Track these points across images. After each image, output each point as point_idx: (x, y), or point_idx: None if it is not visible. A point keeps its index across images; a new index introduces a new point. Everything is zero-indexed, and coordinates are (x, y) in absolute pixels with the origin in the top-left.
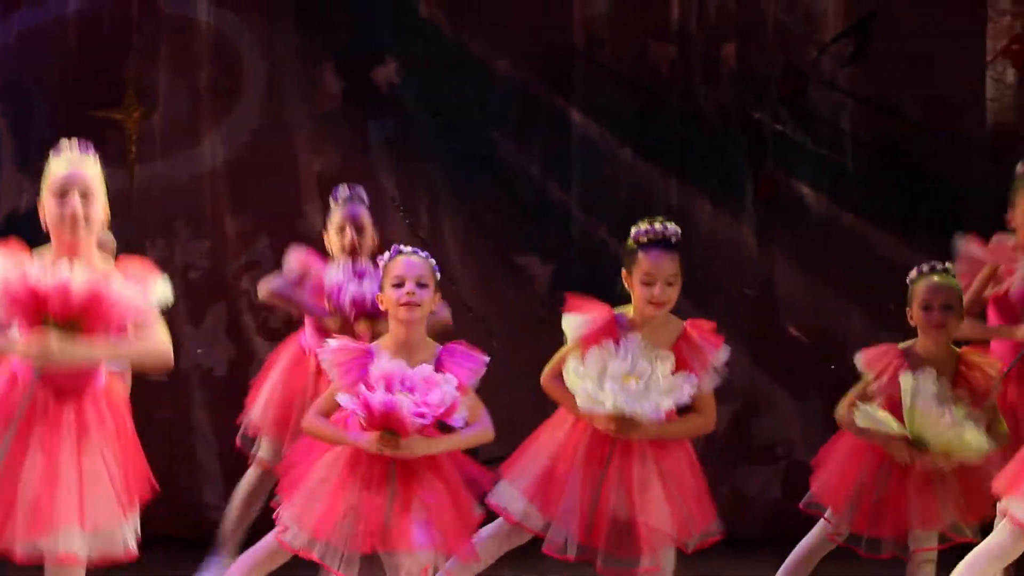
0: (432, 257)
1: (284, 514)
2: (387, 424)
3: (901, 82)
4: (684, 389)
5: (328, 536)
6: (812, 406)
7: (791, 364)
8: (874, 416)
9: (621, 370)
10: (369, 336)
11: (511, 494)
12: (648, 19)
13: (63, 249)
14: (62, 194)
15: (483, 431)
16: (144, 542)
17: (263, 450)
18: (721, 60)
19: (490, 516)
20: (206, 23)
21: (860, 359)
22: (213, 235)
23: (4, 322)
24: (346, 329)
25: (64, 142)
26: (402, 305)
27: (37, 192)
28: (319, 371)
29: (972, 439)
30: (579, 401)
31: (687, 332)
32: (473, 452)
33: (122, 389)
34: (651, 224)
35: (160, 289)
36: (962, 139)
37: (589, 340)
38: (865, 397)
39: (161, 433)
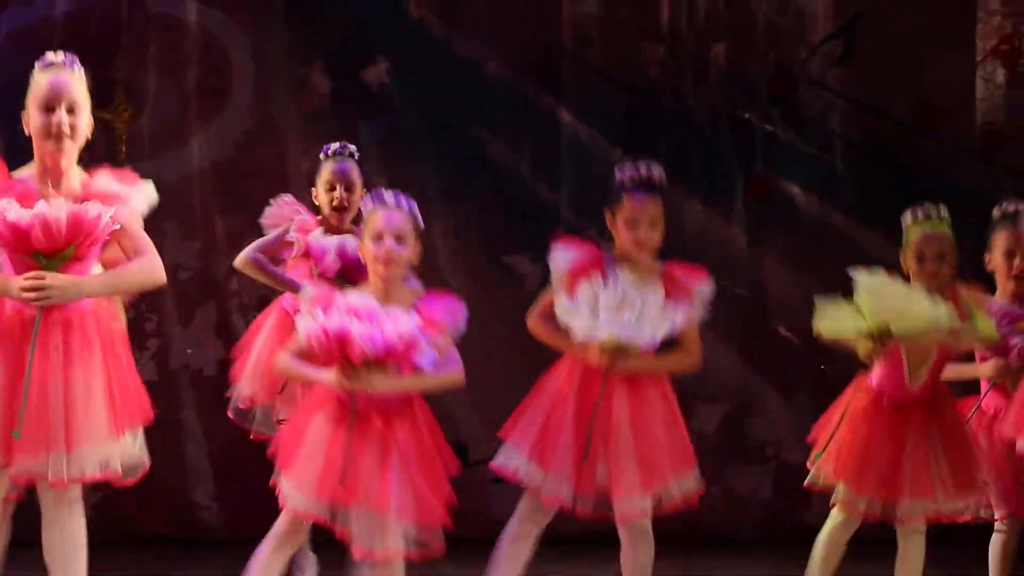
0: (413, 204)
1: (284, 484)
2: (339, 349)
3: (891, 82)
4: (676, 317)
5: (328, 495)
6: (803, 406)
7: (782, 364)
8: (834, 314)
9: (613, 302)
10: None
11: (513, 455)
12: (638, 19)
13: (46, 161)
14: (48, 107)
15: (453, 375)
16: (135, 542)
17: (260, 421)
18: (711, 60)
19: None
20: (195, 23)
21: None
22: (203, 235)
23: None
24: None
25: (50, 54)
26: (380, 261)
27: None
28: None
29: (927, 305)
30: (576, 333)
31: (669, 270)
32: (463, 451)
33: (118, 324)
34: (635, 166)
35: (144, 193)
36: (952, 139)
37: (576, 273)
38: None
39: (151, 433)
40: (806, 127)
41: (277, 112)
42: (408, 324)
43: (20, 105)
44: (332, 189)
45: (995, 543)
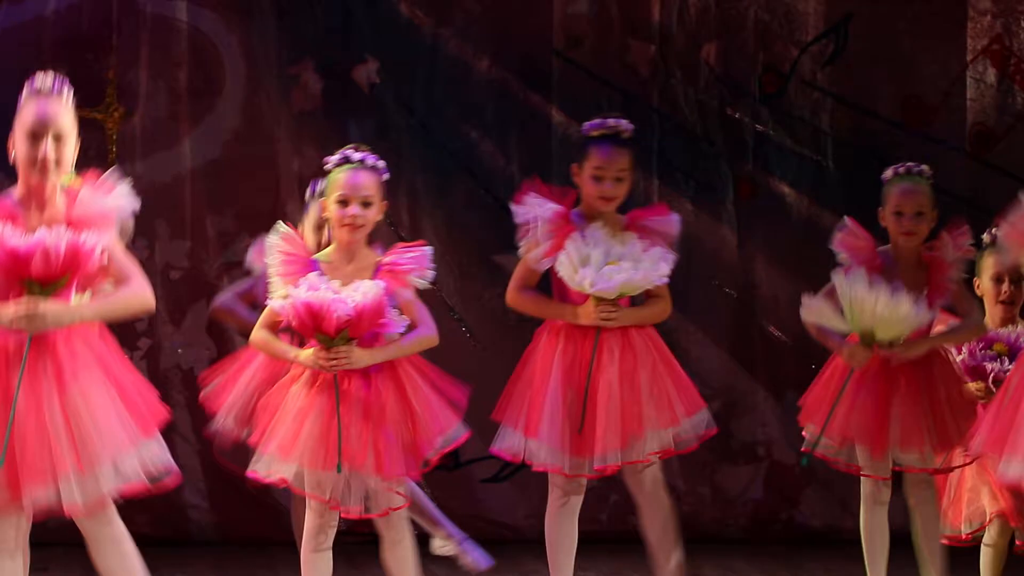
0: (380, 162)
1: (266, 460)
2: (314, 322)
3: (881, 82)
4: (668, 256)
5: (293, 458)
6: (793, 405)
7: (772, 364)
8: (820, 311)
9: (600, 257)
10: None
11: (508, 435)
12: (629, 18)
13: (31, 189)
14: (35, 136)
15: (426, 335)
16: None
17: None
18: (702, 60)
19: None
20: (186, 23)
21: (837, 241)
22: (193, 235)
23: None
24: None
25: (39, 76)
26: (344, 226)
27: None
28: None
29: (908, 310)
30: (587, 288)
31: (634, 218)
32: (455, 455)
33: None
34: (603, 118)
35: (125, 202)
36: (942, 139)
37: (550, 228)
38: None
39: None
40: (796, 126)
41: (268, 112)
42: (372, 289)
43: (11, 102)
44: (319, 230)
45: (985, 555)
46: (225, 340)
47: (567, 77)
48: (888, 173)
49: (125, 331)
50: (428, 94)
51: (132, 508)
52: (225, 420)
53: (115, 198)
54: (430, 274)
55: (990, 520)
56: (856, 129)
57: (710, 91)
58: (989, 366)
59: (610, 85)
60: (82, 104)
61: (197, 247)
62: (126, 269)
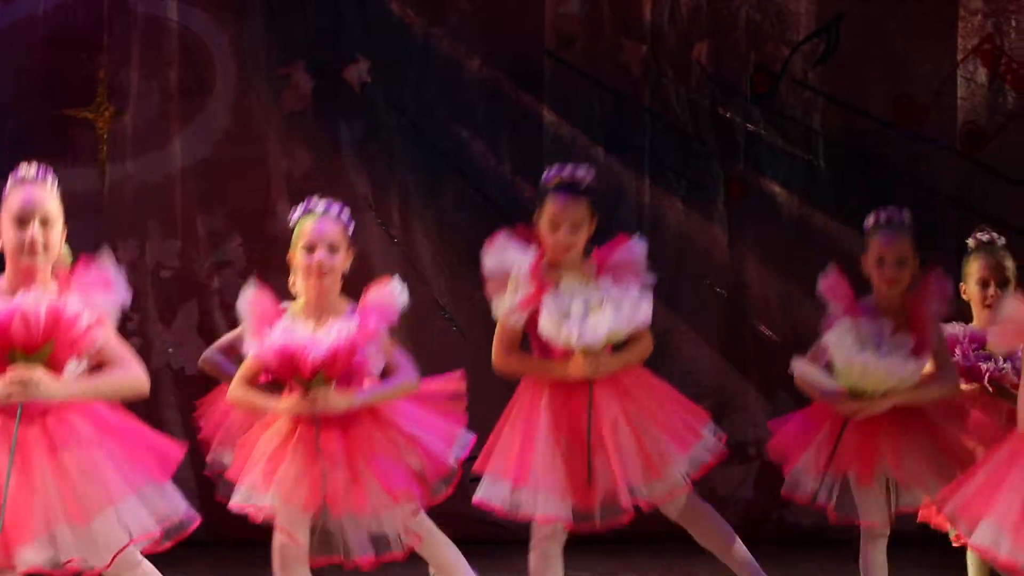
0: (345, 212)
1: (236, 490)
2: (290, 365)
3: (872, 82)
4: (646, 294)
5: (268, 489)
6: (784, 405)
7: (762, 363)
8: (806, 371)
9: (580, 307)
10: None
11: (495, 486)
12: (621, 18)
13: (20, 275)
14: (22, 221)
15: (406, 381)
16: None
17: None
18: (693, 60)
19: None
20: (176, 22)
21: (822, 287)
22: (184, 235)
23: None
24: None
25: (23, 167)
26: (312, 274)
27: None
28: None
29: (897, 368)
30: (573, 343)
31: (600, 260)
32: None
33: None
34: (561, 167)
35: (118, 295)
36: (933, 138)
37: (521, 278)
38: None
39: None
40: (787, 126)
41: (258, 111)
42: (344, 329)
43: (4, 103)
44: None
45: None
46: (215, 340)
47: (559, 77)
48: (869, 221)
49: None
50: (419, 94)
51: None
52: (221, 456)
53: (108, 286)
54: (402, 307)
55: None
56: (847, 128)
57: (701, 91)
58: (984, 366)
59: (601, 85)
60: (73, 103)
61: (188, 246)
62: (120, 353)
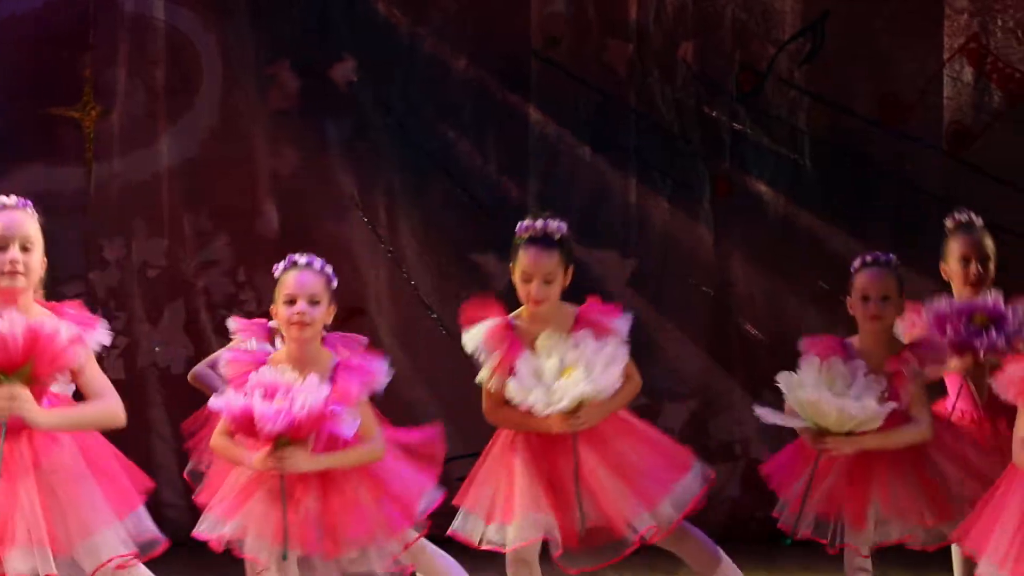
0: (327, 266)
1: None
2: (246, 428)
3: (858, 80)
4: (618, 351)
5: (235, 519)
6: (770, 404)
7: (748, 362)
8: (768, 417)
9: (555, 369)
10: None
11: (470, 522)
12: (606, 18)
13: (2, 298)
14: (2, 246)
15: (370, 449)
16: None
17: None
18: (679, 59)
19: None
20: (163, 21)
21: (803, 344)
22: (170, 234)
23: None
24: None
25: (2, 197)
26: (293, 324)
27: None
28: None
29: (854, 410)
30: (538, 411)
31: (582, 315)
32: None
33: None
34: (533, 219)
35: (98, 334)
36: (918, 137)
37: (492, 344)
38: None
39: (118, 432)
40: (773, 125)
41: (245, 110)
42: (313, 398)
43: None
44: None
45: (956, 551)
46: (202, 339)
47: (545, 77)
48: (856, 263)
49: None
50: (405, 93)
51: None
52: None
53: (91, 324)
54: (382, 384)
55: None
56: (833, 127)
57: (687, 90)
58: (978, 343)
59: (587, 84)
60: (59, 103)
61: (174, 245)
62: (99, 385)
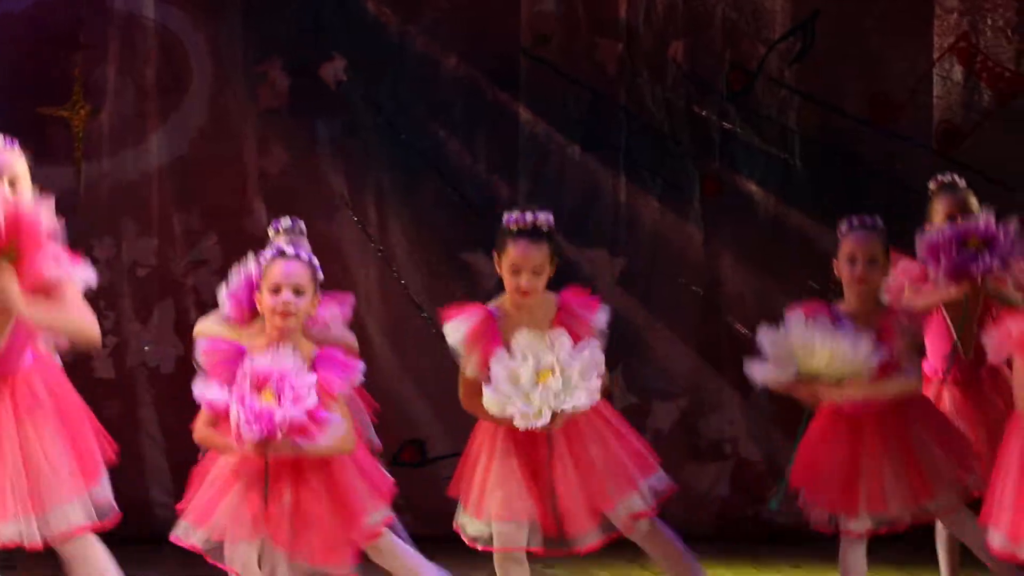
0: (313, 256)
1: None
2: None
3: (848, 80)
4: (597, 359)
5: (208, 525)
6: (759, 403)
7: (738, 361)
8: (767, 371)
9: (530, 373)
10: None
11: (467, 519)
12: (596, 17)
13: None
14: None
15: (341, 441)
16: None
17: None
18: (669, 58)
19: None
20: (153, 20)
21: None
22: (160, 233)
23: None
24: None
25: None
26: (277, 313)
27: None
28: None
29: (847, 351)
30: (517, 423)
31: (564, 304)
32: (421, 448)
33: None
34: (522, 213)
35: (86, 272)
36: (908, 136)
37: (472, 340)
38: None
39: (108, 431)
40: (763, 124)
41: (235, 109)
42: (300, 406)
43: None
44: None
45: (941, 534)
46: (192, 338)
47: (535, 75)
48: (843, 227)
49: None
50: (395, 92)
51: None
52: None
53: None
54: (360, 378)
55: None
56: (823, 127)
57: (677, 89)
58: (974, 268)
59: (577, 83)
60: (49, 102)
61: (164, 245)
62: (81, 304)
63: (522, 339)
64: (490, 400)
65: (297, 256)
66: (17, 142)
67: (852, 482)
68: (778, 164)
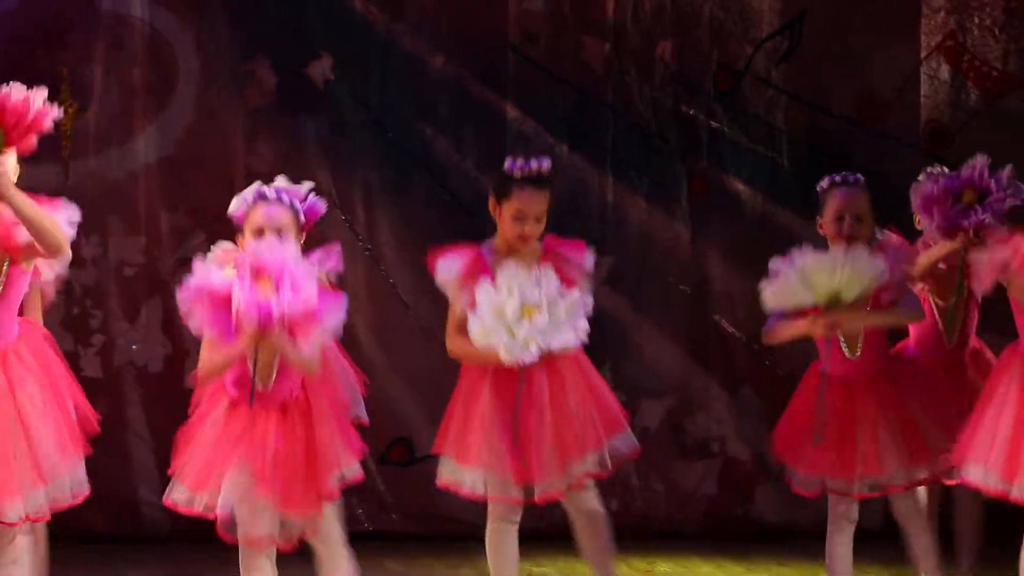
0: (296, 199)
1: (172, 486)
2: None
3: (835, 79)
4: (585, 300)
5: (207, 488)
6: (747, 401)
7: (725, 359)
8: (780, 292)
9: (516, 307)
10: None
11: (453, 468)
12: (584, 15)
13: None
14: None
15: (311, 360)
16: (79, 539)
17: None
18: (656, 57)
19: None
20: (140, 19)
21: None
22: (147, 232)
23: None
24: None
25: None
26: None
27: None
28: None
29: (862, 261)
30: (502, 356)
31: (548, 247)
32: (409, 447)
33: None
34: (527, 160)
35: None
36: (896, 136)
37: (463, 280)
38: None
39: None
40: (750, 124)
41: (222, 108)
42: (299, 297)
43: None
44: None
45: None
46: (180, 337)
47: (522, 74)
48: (824, 183)
49: (78, 328)
50: (383, 90)
51: (87, 505)
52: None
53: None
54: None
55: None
56: (810, 126)
57: (664, 88)
58: (966, 223)
59: (565, 82)
60: None
61: (151, 244)
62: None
63: (508, 272)
64: (475, 329)
65: (279, 199)
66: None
67: (848, 444)
68: (765, 163)
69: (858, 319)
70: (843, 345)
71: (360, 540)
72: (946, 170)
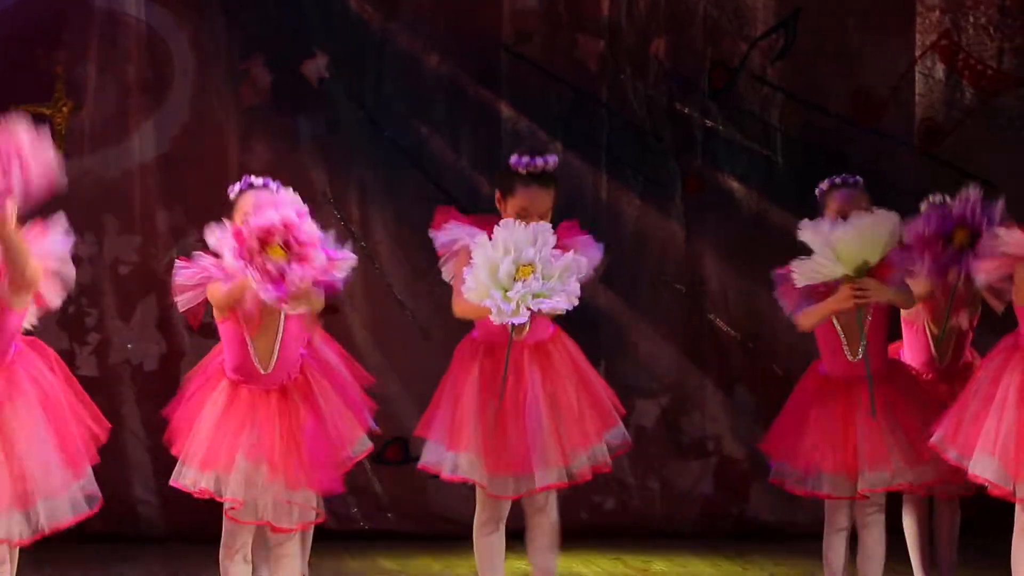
0: (281, 187)
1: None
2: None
3: (830, 77)
4: (580, 261)
5: (215, 467)
6: (742, 400)
7: (720, 358)
8: (809, 267)
9: (509, 266)
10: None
11: (437, 451)
12: (578, 13)
13: None
14: None
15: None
16: (74, 538)
17: None
18: (650, 55)
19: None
20: (135, 17)
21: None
22: (143, 230)
23: None
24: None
25: None
26: None
27: None
28: None
29: (877, 226)
30: (493, 318)
31: (560, 236)
32: (403, 445)
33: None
34: (532, 156)
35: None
36: (890, 134)
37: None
38: None
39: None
40: (745, 121)
41: (217, 106)
42: (311, 263)
43: None
44: None
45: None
46: (175, 335)
47: (516, 72)
48: (824, 185)
49: (74, 326)
50: (378, 89)
51: None
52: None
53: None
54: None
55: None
56: (805, 124)
57: (659, 86)
58: (954, 271)
59: (559, 80)
60: (30, 99)
61: (147, 242)
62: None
63: (505, 228)
64: (470, 286)
65: (266, 186)
66: None
67: (850, 442)
68: (760, 161)
69: (883, 290)
70: (845, 347)
71: (356, 539)
72: (947, 199)
